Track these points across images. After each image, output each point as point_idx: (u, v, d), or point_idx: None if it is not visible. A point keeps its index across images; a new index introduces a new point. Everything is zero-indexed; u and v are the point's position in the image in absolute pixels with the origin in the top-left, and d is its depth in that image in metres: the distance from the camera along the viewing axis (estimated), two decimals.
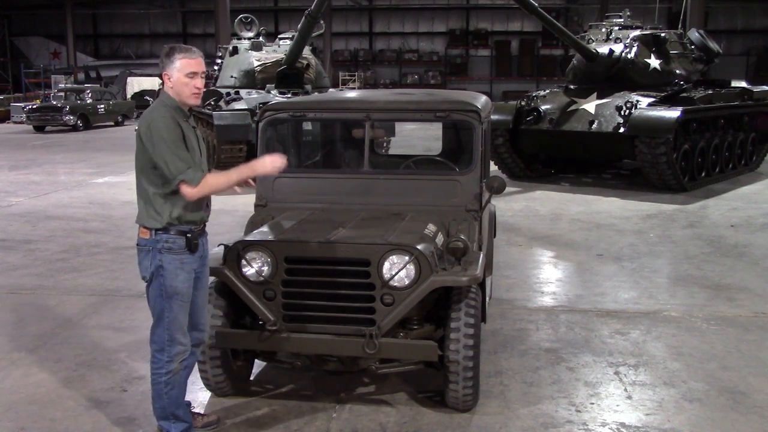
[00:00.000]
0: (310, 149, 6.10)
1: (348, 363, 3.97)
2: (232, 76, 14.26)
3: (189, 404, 3.81)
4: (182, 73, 3.29)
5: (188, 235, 3.37)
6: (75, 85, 30.81)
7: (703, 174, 12.04)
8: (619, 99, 11.45)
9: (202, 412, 3.94)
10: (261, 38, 15.01)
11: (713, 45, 13.93)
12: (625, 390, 4.30)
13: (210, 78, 20.41)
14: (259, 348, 3.96)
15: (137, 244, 3.43)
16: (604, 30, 12.88)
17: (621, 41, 12.36)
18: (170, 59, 3.30)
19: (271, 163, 3.44)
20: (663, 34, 12.66)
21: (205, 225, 3.54)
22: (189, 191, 3.25)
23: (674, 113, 10.56)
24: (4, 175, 14.00)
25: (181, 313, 3.42)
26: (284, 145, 5.37)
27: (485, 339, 4.83)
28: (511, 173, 12.87)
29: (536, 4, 11.35)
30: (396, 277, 3.63)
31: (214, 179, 3.32)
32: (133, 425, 3.86)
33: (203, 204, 3.46)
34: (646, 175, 11.30)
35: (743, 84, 16.98)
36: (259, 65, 14.13)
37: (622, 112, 11.15)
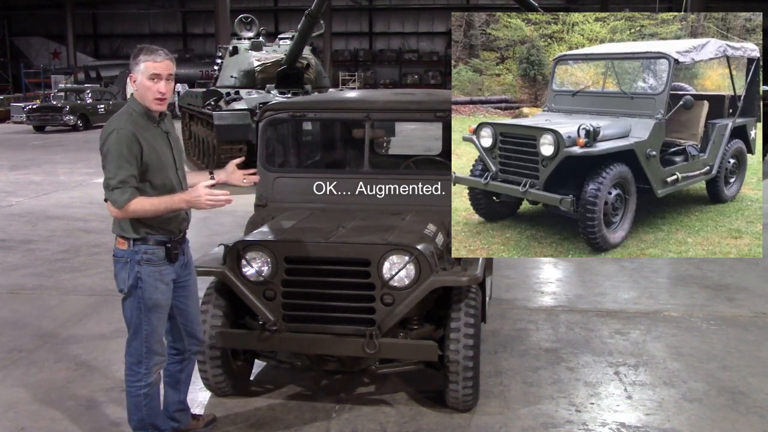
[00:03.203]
0: (310, 149, 6.10)
1: (348, 363, 3.97)
2: (232, 76, 14.27)
3: (186, 406, 3.79)
4: (145, 76, 3.12)
5: (168, 245, 3.24)
6: (75, 85, 30.80)
7: None
8: None
9: (201, 413, 3.93)
10: (261, 38, 15.02)
11: None
12: (625, 390, 4.30)
13: (210, 78, 20.42)
14: (259, 348, 3.95)
15: (114, 255, 3.27)
16: None
17: None
18: (135, 60, 3.14)
19: (206, 199, 3.13)
20: None
21: (185, 233, 3.41)
22: (113, 211, 3.11)
23: None
24: (4, 175, 14.01)
25: (159, 326, 3.31)
26: (284, 145, 5.37)
27: (485, 339, 4.83)
28: None
29: (536, 4, 11.36)
30: (396, 277, 3.63)
31: (141, 206, 3.07)
32: None
33: (182, 212, 3.31)
34: None
35: None
36: (259, 65, 14.14)
37: None
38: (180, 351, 3.56)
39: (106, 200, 3.12)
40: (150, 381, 3.34)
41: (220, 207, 3.26)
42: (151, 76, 3.12)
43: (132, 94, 3.29)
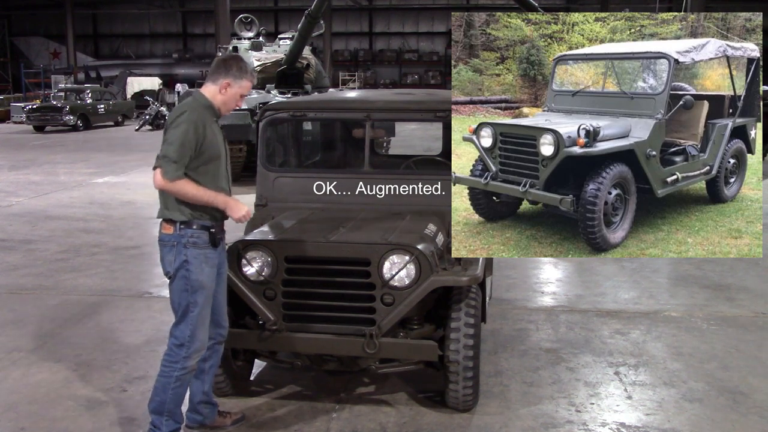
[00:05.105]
0: (310, 149, 6.10)
1: (348, 363, 3.97)
2: None
3: (211, 400, 3.78)
4: (242, 91, 3.45)
5: (211, 230, 3.39)
6: (75, 85, 30.80)
7: None
8: None
9: (228, 410, 3.91)
10: (261, 38, 15.01)
11: None
12: (625, 390, 4.30)
13: None
14: (259, 348, 3.96)
15: (160, 240, 3.41)
16: None
17: None
18: (241, 75, 3.42)
19: (243, 215, 3.44)
20: None
21: (223, 222, 3.54)
22: (159, 180, 3.26)
23: None
24: (4, 175, 14.01)
25: (205, 308, 3.42)
26: (284, 145, 5.37)
27: (485, 339, 4.83)
28: None
29: (536, 4, 11.36)
30: (396, 277, 3.63)
31: (187, 187, 3.28)
32: (133, 425, 3.86)
33: None
34: None
35: None
36: (259, 65, 14.13)
37: None
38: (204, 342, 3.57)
39: (155, 168, 3.26)
40: (186, 365, 3.41)
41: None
42: (243, 95, 3.48)
43: (199, 90, 3.49)
